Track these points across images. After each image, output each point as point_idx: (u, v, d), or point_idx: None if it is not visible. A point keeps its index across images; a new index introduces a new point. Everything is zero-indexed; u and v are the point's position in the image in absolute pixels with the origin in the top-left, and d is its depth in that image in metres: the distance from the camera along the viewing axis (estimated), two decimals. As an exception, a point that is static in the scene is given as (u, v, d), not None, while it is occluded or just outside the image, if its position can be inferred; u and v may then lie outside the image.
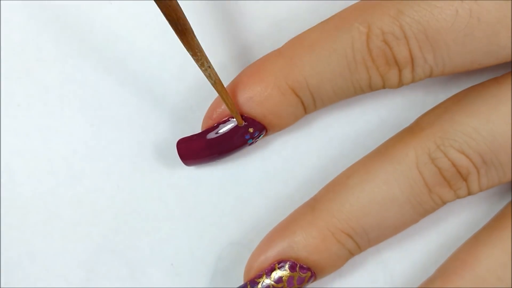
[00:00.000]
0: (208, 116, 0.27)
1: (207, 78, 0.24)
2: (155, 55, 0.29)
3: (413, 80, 0.25)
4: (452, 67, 0.25)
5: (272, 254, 0.26)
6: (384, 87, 0.26)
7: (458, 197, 0.26)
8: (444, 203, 0.26)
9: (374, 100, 0.29)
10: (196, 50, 0.23)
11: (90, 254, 0.28)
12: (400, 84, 0.25)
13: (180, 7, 0.22)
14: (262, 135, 0.27)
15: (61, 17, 0.29)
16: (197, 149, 0.27)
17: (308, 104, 0.26)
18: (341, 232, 0.25)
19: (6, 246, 0.28)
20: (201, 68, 0.24)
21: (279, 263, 0.26)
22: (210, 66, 0.24)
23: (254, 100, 0.26)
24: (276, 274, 0.26)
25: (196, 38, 0.23)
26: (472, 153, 0.24)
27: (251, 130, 0.26)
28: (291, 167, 0.29)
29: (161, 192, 0.29)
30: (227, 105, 0.25)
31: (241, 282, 0.28)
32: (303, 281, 0.26)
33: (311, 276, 0.26)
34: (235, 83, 0.26)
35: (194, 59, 0.24)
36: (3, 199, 0.29)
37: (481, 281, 0.25)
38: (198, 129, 0.27)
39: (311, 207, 0.26)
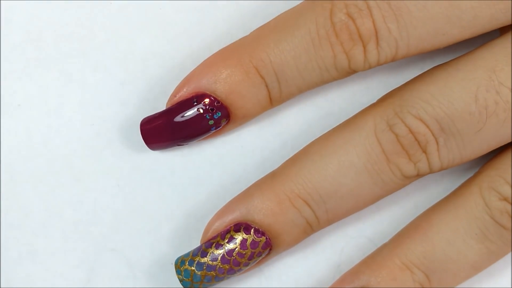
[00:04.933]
0: (173, 94, 0.27)
1: None
2: (155, 55, 0.29)
3: (379, 59, 0.25)
4: (417, 39, 0.24)
5: (229, 217, 0.26)
6: (350, 67, 0.25)
7: (419, 171, 0.25)
8: (405, 177, 0.25)
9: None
10: None
11: (90, 254, 0.28)
12: (366, 63, 0.25)
13: None
14: (225, 120, 0.26)
15: (61, 17, 0.29)
16: (160, 132, 0.27)
17: (272, 87, 0.26)
18: (298, 196, 0.25)
19: (6, 246, 0.28)
20: None
21: (235, 227, 0.26)
22: None
23: (217, 78, 0.26)
24: (230, 236, 0.26)
25: None
26: (429, 119, 0.24)
27: (206, 101, 0.26)
28: (291, 167, 0.29)
29: (161, 192, 0.29)
30: None
31: (241, 281, 0.28)
32: (257, 246, 0.26)
33: (266, 244, 0.26)
34: (201, 64, 0.27)
35: None
36: (3, 199, 0.28)
37: (431, 243, 0.25)
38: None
39: (272, 174, 0.27)
